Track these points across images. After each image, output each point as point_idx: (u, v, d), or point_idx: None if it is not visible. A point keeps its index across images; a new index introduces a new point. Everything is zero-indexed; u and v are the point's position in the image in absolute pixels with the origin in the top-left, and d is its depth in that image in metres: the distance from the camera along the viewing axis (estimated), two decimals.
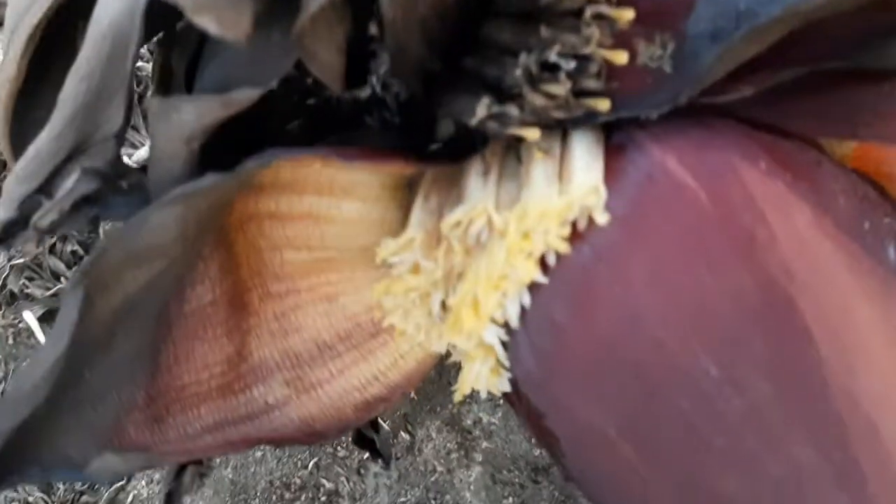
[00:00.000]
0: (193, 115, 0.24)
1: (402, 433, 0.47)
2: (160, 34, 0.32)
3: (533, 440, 0.44)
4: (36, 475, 0.28)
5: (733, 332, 0.23)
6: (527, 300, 0.26)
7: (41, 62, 0.30)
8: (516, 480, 0.44)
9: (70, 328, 0.25)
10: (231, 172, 0.25)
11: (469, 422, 0.46)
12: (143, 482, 0.54)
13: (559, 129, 0.27)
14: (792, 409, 0.22)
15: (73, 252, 0.66)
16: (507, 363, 0.29)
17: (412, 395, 0.48)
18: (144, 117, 0.64)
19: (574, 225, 0.25)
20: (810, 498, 0.22)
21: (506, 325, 0.28)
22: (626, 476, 0.25)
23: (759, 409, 0.22)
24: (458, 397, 0.33)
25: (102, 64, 0.25)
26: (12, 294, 0.66)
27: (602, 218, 0.24)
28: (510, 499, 0.43)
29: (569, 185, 0.25)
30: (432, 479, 0.45)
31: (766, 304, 0.23)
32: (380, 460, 0.42)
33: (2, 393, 0.63)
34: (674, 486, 0.24)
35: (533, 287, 0.26)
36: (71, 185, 0.25)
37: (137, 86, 0.63)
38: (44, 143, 0.26)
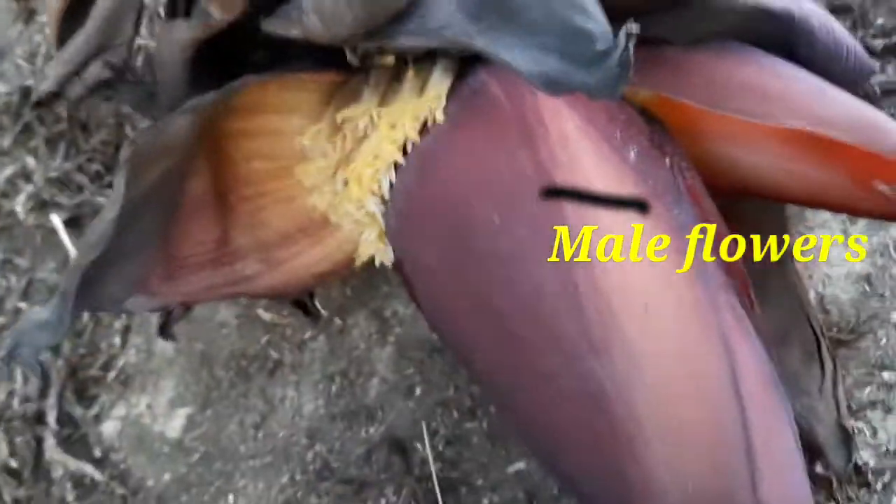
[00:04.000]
0: (187, 32, 0.36)
1: (336, 319, 0.59)
2: None
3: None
4: (90, 306, 0.38)
5: (513, 193, 0.34)
6: (393, 176, 0.38)
7: None
8: (417, 357, 0.56)
9: (120, 198, 0.35)
10: (223, 89, 0.36)
11: (388, 313, 0.58)
12: (133, 351, 0.66)
13: (430, 60, 0.39)
14: (541, 246, 0.33)
15: (97, 171, 0.79)
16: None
17: (347, 291, 0.60)
18: None
19: (425, 122, 0.37)
20: (548, 303, 0.33)
21: (382, 198, 0.40)
22: (446, 296, 0.37)
23: (521, 246, 0.34)
24: (358, 262, 0.44)
25: None
26: (43, 202, 0.79)
27: (440, 116, 0.36)
28: (411, 369, 0.55)
29: (424, 94, 0.37)
30: (355, 354, 0.57)
31: (535, 175, 0.34)
32: (310, 319, 0.55)
33: (28, 284, 0.76)
34: (471, 302, 0.36)
35: (397, 166, 0.38)
36: (95, 71, 0.38)
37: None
38: (80, 40, 0.38)
